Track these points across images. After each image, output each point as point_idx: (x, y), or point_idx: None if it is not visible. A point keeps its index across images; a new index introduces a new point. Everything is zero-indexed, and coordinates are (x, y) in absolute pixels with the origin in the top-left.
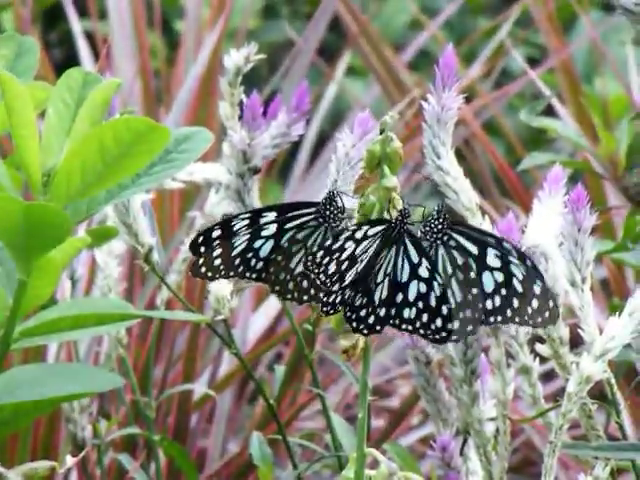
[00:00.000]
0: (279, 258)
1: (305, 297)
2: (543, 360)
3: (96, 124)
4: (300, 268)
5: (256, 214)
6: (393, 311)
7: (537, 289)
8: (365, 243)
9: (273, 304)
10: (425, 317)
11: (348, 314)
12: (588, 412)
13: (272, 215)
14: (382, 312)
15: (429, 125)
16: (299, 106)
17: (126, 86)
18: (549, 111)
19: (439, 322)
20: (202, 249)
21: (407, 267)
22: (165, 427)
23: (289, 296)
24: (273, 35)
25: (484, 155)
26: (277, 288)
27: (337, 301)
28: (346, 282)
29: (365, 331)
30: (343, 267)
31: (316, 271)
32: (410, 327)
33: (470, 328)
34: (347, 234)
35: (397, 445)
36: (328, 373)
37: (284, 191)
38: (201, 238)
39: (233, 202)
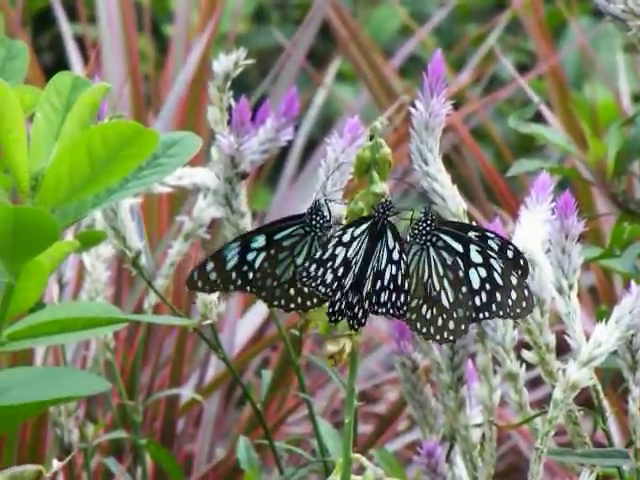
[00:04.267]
0: (266, 265)
1: (292, 305)
2: (530, 367)
3: (84, 128)
4: (287, 276)
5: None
6: (374, 298)
7: (514, 280)
8: (355, 245)
9: (261, 309)
10: (394, 296)
11: (347, 313)
12: (574, 419)
13: (262, 237)
14: (367, 304)
15: (417, 131)
16: (288, 111)
17: (115, 90)
18: (539, 117)
19: (402, 298)
20: (199, 283)
21: (385, 254)
22: (152, 431)
23: (276, 303)
24: (263, 40)
25: (473, 161)
26: (264, 294)
27: (343, 307)
28: (347, 287)
29: (356, 326)
30: (339, 273)
31: (313, 284)
32: (383, 309)
33: (463, 327)
34: (334, 241)
35: (384, 450)
36: (316, 378)
37: (273, 196)
38: (196, 274)
39: (221, 207)
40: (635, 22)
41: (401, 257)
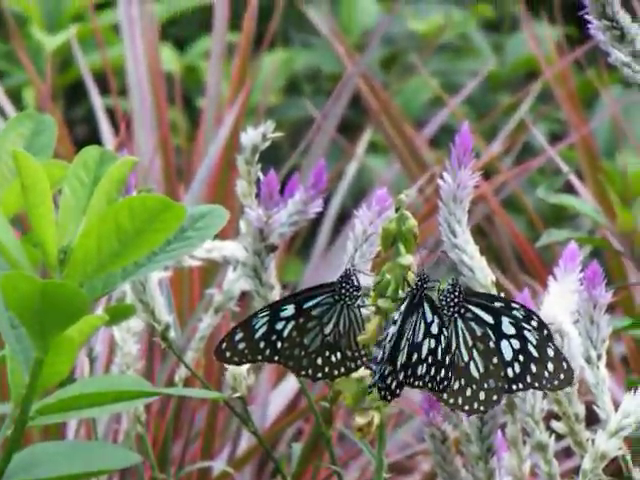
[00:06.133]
0: (294, 334)
1: (319, 374)
2: (559, 437)
3: (112, 202)
4: (315, 345)
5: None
6: (410, 371)
7: (551, 352)
8: (398, 319)
9: (293, 380)
10: (433, 370)
11: (380, 384)
12: None
13: (291, 306)
14: (401, 376)
15: (445, 203)
16: (317, 184)
17: (146, 162)
18: (570, 187)
19: (443, 372)
20: (228, 354)
21: (422, 327)
22: None
23: (303, 372)
24: (294, 112)
25: (505, 232)
26: (291, 364)
27: (377, 378)
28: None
29: (388, 397)
30: (386, 349)
31: (365, 360)
32: (421, 383)
33: (495, 398)
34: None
35: None
36: (348, 449)
37: (305, 267)
38: (224, 344)
39: (250, 279)
40: None
41: (441, 331)
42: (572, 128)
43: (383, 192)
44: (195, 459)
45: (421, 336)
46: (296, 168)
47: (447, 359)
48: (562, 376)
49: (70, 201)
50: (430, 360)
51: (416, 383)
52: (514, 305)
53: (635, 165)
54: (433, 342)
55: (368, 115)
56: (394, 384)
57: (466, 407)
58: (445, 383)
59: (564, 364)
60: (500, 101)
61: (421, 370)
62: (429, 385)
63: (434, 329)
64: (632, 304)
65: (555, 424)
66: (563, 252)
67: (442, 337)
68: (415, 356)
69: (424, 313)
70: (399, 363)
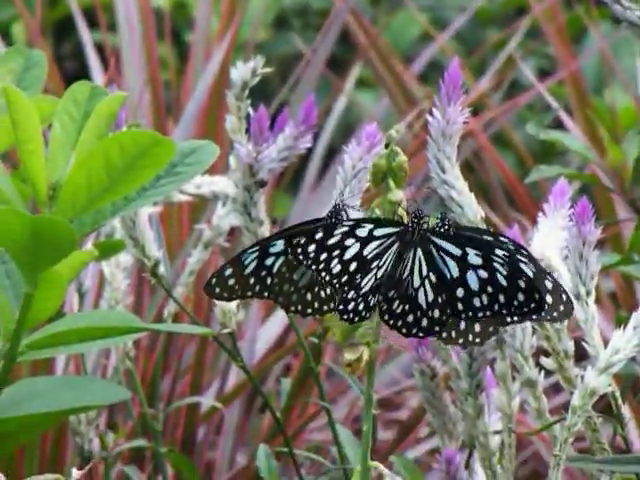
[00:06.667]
0: (284, 270)
1: (309, 310)
2: (548, 373)
3: (102, 137)
4: (304, 281)
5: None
6: (461, 306)
7: (549, 284)
8: (375, 245)
9: (282, 316)
10: (502, 297)
11: (392, 322)
12: (593, 425)
13: (281, 242)
14: (436, 314)
15: (434, 139)
16: (306, 119)
17: (135, 97)
18: (560, 123)
19: (521, 296)
20: (217, 290)
21: (452, 262)
22: (173, 439)
23: (292, 308)
24: (283, 47)
25: (493, 168)
26: (281, 300)
27: (360, 308)
28: (365, 288)
29: (421, 334)
30: (351, 268)
31: (313, 267)
32: (489, 312)
33: (492, 330)
34: (343, 229)
35: (403, 457)
36: (337, 385)
37: (294, 202)
38: (214, 280)
39: (240, 215)
40: None
41: (489, 259)
42: (561, 64)
43: (372, 128)
44: (184, 394)
45: (456, 271)
46: (285, 103)
47: (522, 282)
48: (562, 308)
49: (60, 137)
50: (490, 289)
51: (480, 314)
52: (502, 239)
53: (624, 101)
54: (483, 272)
55: (357, 50)
56: (425, 322)
57: (460, 340)
58: (532, 305)
59: (563, 296)
60: (489, 37)
61: (480, 301)
62: (504, 311)
63: (474, 260)
64: (621, 240)
65: (544, 360)
66: (552, 188)
67: (496, 264)
68: (461, 291)
69: (441, 248)
70: (423, 301)
